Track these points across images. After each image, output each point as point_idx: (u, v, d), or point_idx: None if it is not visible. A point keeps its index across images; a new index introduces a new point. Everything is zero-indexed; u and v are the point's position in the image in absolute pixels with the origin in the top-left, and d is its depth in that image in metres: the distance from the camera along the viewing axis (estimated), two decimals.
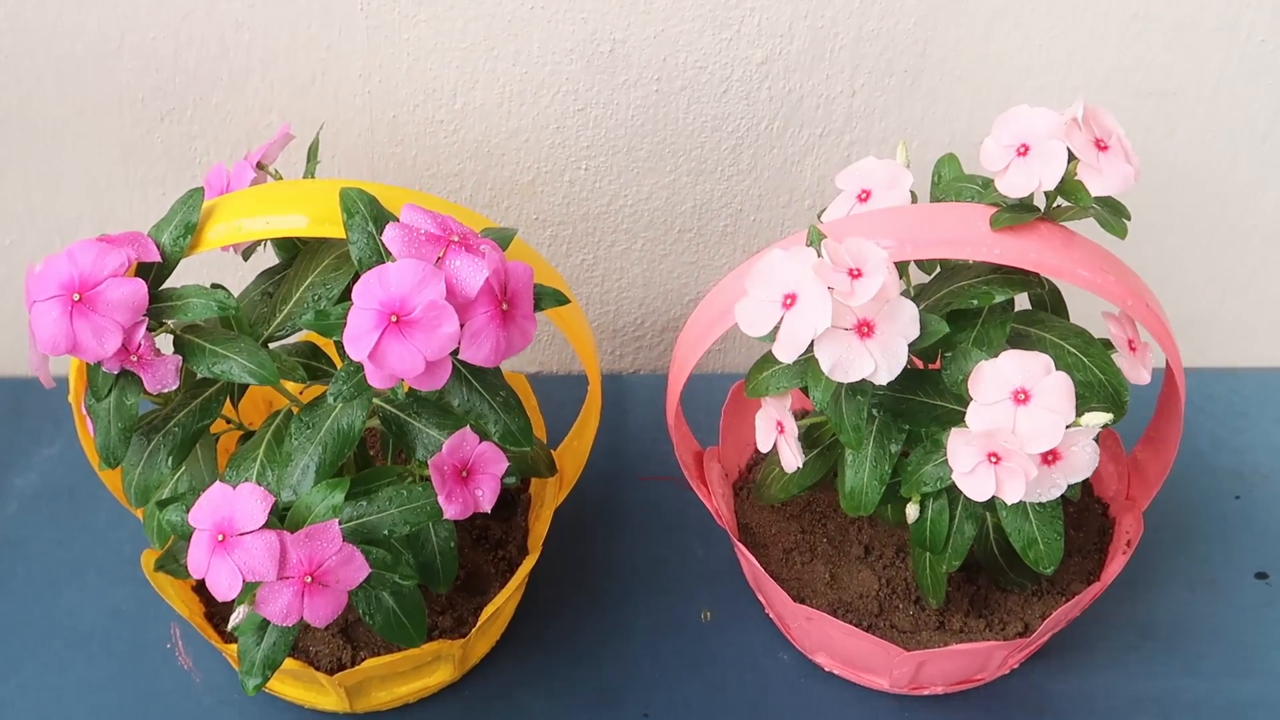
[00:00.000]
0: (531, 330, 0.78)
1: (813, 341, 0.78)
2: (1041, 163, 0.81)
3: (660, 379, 1.12)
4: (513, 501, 1.05)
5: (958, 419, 0.81)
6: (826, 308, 0.77)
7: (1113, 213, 0.84)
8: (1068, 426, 0.78)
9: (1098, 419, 0.78)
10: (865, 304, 0.78)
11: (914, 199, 0.90)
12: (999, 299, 0.84)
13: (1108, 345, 0.88)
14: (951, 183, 0.90)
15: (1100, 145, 0.82)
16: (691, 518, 1.11)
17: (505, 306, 0.76)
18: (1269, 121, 1.11)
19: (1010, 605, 0.98)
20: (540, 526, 1.00)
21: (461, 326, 0.75)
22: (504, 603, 0.96)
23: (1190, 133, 1.11)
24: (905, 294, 0.88)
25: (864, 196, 0.89)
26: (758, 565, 0.97)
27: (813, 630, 0.97)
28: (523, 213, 1.13)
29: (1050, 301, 0.91)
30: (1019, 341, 0.87)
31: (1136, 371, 0.88)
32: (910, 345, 0.80)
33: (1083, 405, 0.81)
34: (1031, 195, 0.82)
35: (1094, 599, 0.96)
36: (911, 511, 0.88)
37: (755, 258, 0.85)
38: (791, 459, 0.90)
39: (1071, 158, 0.81)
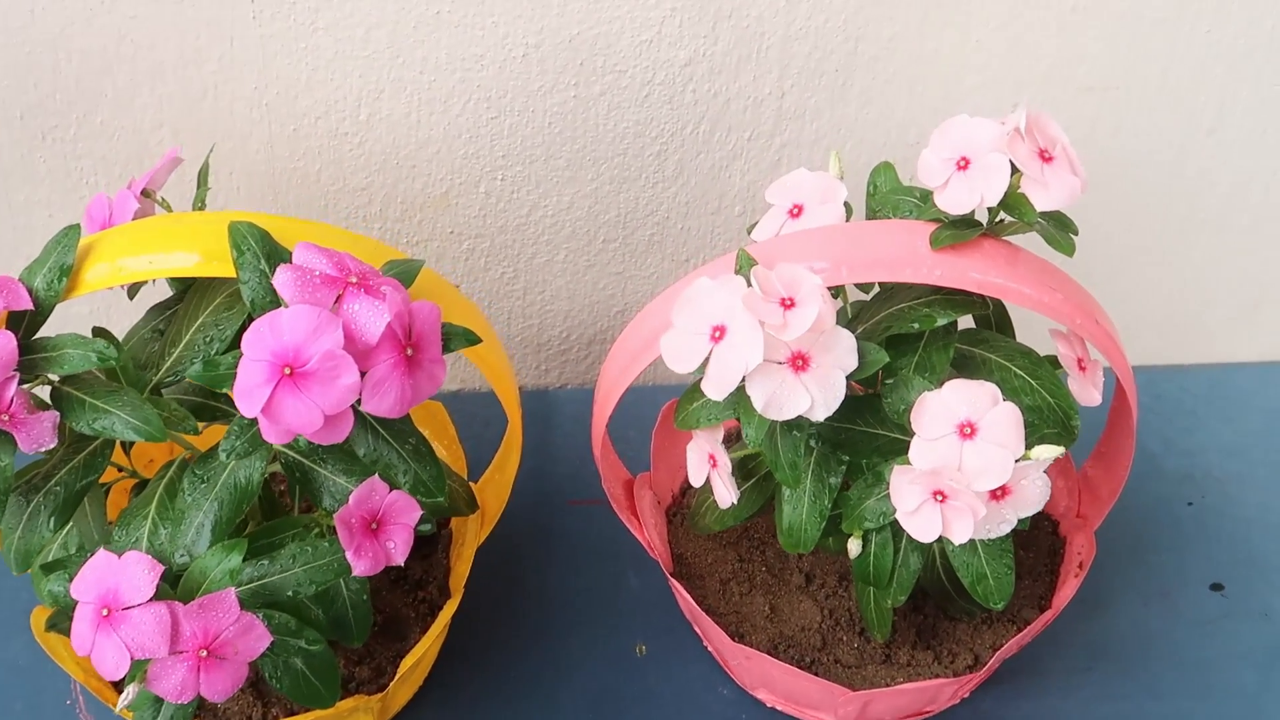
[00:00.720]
0: (441, 374, 0.73)
1: (744, 377, 0.73)
2: (983, 177, 0.77)
3: (588, 394, 1.07)
4: (433, 538, 1.00)
5: (900, 449, 0.77)
6: (757, 342, 0.72)
7: (1059, 227, 0.80)
8: (1017, 460, 0.74)
9: (1048, 452, 0.74)
10: (799, 336, 0.73)
11: (849, 212, 0.86)
12: (941, 322, 0.79)
13: (1056, 364, 0.84)
14: (888, 195, 0.85)
15: (1045, 156, 0.77)
16: (624, 543, 1.06)
17: (410, 351, 0.71)
18: (1216, 115, 1.07)
19: (959, 635, 0.94)
20: (462, 566, 0.95)
21: (363, 375, 0.69)
22: (424, 650, 0.91)
23: (1136, 127, 1.07)
24: (842, 315, 0.83)
25: (795, 212, 0.85)
26: (693, 602, 0.93)
27: (753, 668, 0.92)
28: (437, 226, 1.07)
29: (996, 319, 0.86)
30: (963, 364, 0.83)
31: (1087, 392, 0.84)
32: (849, 376, 0.75)
33: (1032, 434, 0.77)
34: (973, 210, 0.78)
35: (1045, 626, 0.92)
36: (854, 547, 0.84)
37: (682, 282, 0.80)
38: (726, 495, 0.85)
39: (1015, 170, 0.77)
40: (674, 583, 0.93)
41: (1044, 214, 0.79)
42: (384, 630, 0.95)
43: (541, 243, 1.09)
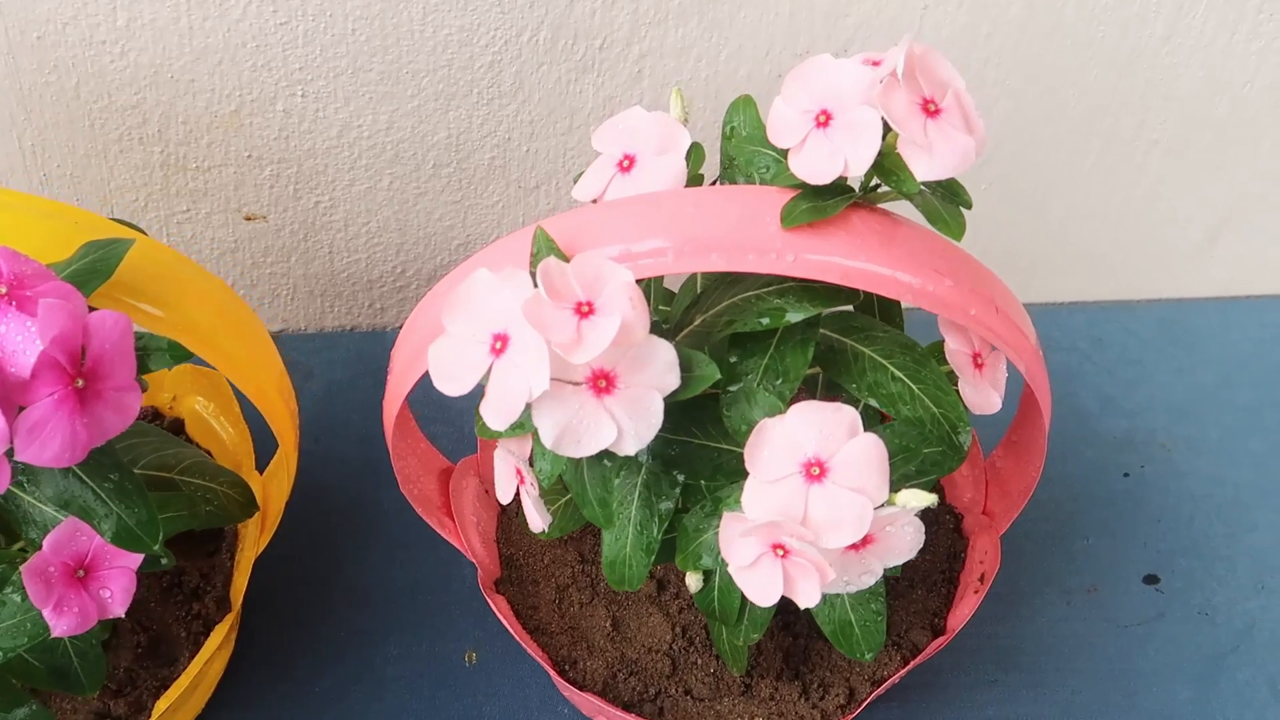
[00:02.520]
0: (134, 404, 0.58)
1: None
2: (847, 137, 0.61)
3: None
4: (217, 532, 0.85)
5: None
6: (543, 360, 0.57)
7: (948, 199, 0.64)
8: (879, 508, 0.59)
9: (918, 500, 0.59)
10: (601, 354, 0.57)
11: (697, 162, 0.70)
12: (795, 318, 0.64)
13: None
14: (744, 144, 0.69)
15: (930, 109, 0.61)
16: None
17: (83, 382, 0.55)
18: (1172, 16, 0.90)
19: (835, 661, 0.80)
20: (240, 578, 0.80)
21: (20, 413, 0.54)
22: (203, 669, 0.77)
23: (1074, 34, 0.90)
24: (687, 291, 0.68)
25: (626, 164, 0.69)
26: (515, 622, 0.79)
27: (586, 705, 0.79)
28: (231, 149, 0.90)
29: (880, 301, 0.71)
30: (830, 359, 0.68)
31: (983, 395, 0.69)
32: (670, 397, 0.60)
33: (908, 456, 0.63)
34: (838, 178, 0.61)
35: (937, 651, 0.78)
36: (692, 582, 0.70)
37: (467, 263, 0.64)
38: (536, 519, 0.70)
39: (890, 128, 0.60)
40: (492, 600, 0.79)
41: (930, 183, 0.62)
42: (149, 652, 0.81)
43: (359, 168, 0.92)
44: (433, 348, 0.60)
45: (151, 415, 0.90)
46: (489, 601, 0.79)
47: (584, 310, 0.58)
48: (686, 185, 0.71)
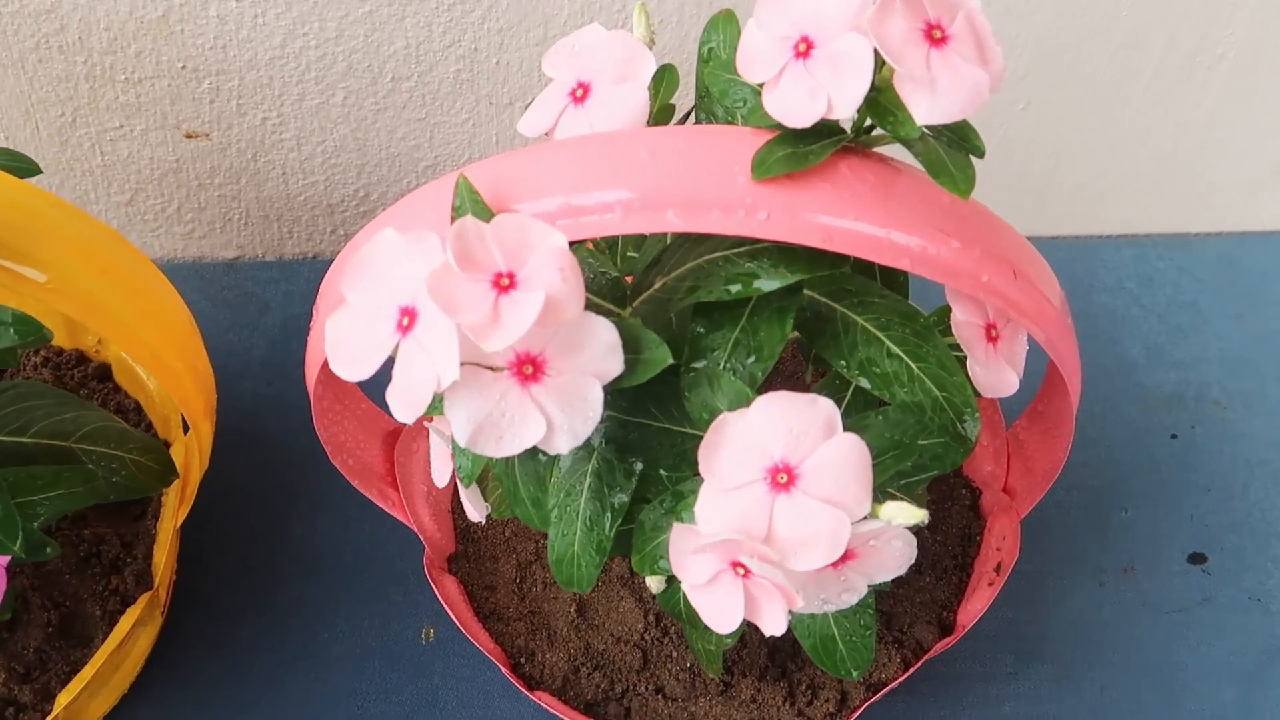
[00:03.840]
0: None
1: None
2: (831, 71, 0.50)
3: None
4: (142, 499, 0.77)
5: None
6: (451, 343, 0.47)
7: (955, 144, 0.53)
8: (858, 523, 0.50)
9: (905, 516, 0.50)
10: (523, 335, 0.48)
11: (671, 84, 0.60)
12: (769, 287, 0.54)
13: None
14: (719, 71, 0.58)
15: (934, 36, 0.50)
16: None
17: None
18: None
19: None
20: (160, 552, 0.72)
21: None
22: (121, 649, 0.70)
23: None
24: (653, 244, 0.58)
25: (580, 94, 0.59)
26: (464, 610, 0.70)
27: (545, 699, 0.70)
28: (163, 60, 0.80)
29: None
30: (815, 328, 0.58)
31: (997, 375, 0.59)
32: (614, 384, 0.50)
33: (903, 450, 0.54)
34: (821, 120, 0.51)
35: (944, 650, 0.69)
36: (653, 584, 0.61)
37: (376, 220, 0.55)
38: (472, 509, 0.61)
39: (883, 62, 0.50)
40: (438, 585, 0.70)
41: (933, 128, 0.52)
42: (61, 631, 0.73)
43: (309, 81, 0.82)
44: (330, 321, 0.51)
45: (76, 360, 0.81)
46: (433, 587, 0.70)
47: (503, 283, 0.48)
48: (652, 118, 0.61)
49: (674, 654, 0.72)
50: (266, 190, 0.89)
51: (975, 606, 0.70)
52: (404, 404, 0.49)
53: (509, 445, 0.50)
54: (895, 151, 0.54)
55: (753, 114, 0.57)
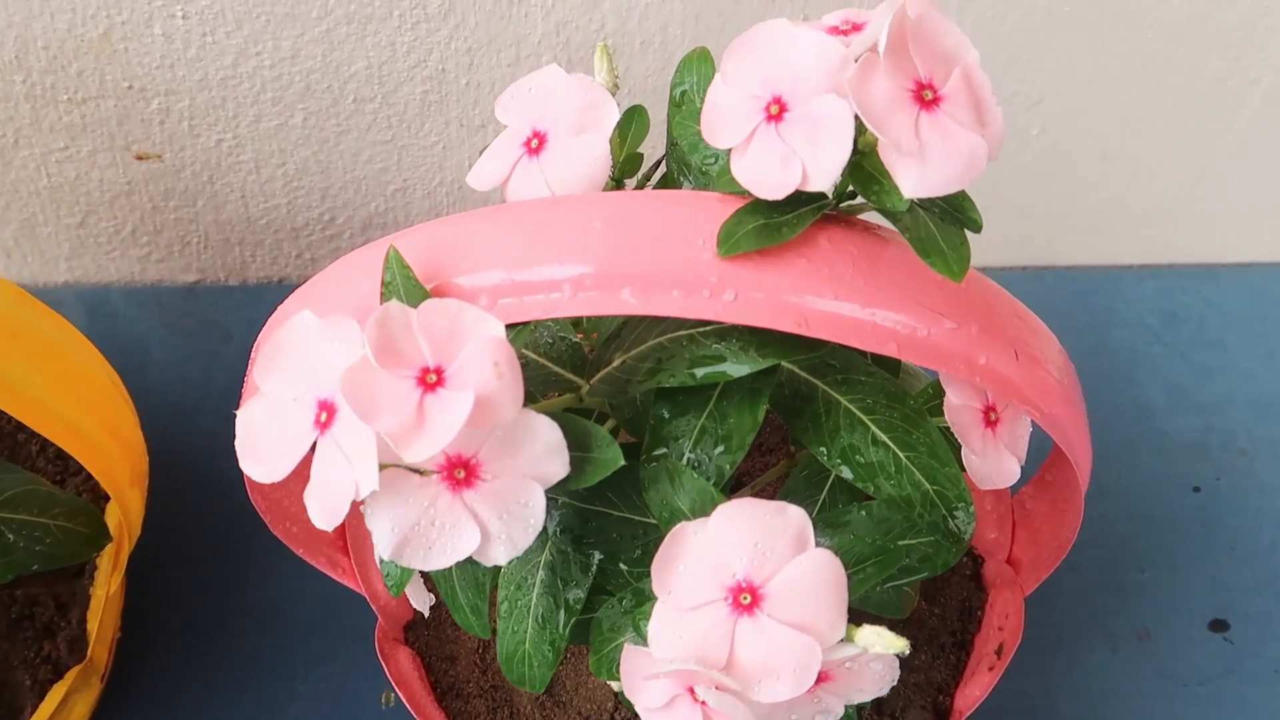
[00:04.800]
0: None
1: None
2: (806, 137, 0.45)
3: None
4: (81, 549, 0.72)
5: None
6: (369, 450, 0.42)
7: (948, 217, 0.47)
8: (830, 648, 0.45)
9: (883, 644, 0.44)
10: (454, 438, 0.42)
11: (640, 129, 0.55)
12: (739, 373, 0.48)
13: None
14: (688, 122, 0.53)
15: (924, 96, 0.45)
16: None
17: None
18: None
19: None
20: (94, 620, 0.67)
21: None
22: None
23: None
24: (555, 378, 0.53)
25: (535, 144, 0.53)
26: (417, 689, 0.65)
27: None
28: (107, 79, 0.75)
29: None
30: (795, 409, 0.52)
31: (995, 464, 0.53)
32: (559, 487, 0.45)
33: (883, 560, 0.48)
34: (795, 190, 0.46)
35: None
36: (616, 685, 0.55)
37: (293, 297, 0.50)
38: (417, 601, 0.56)
39: (864, 129, 0.44)
40: (388, 662, 0.65)
41: (924, 200, 0.46)
42: None
43: (265, 102, 0.77)
44: (240, 414, 0.46)
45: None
46: (383, 664, 0.65)
47: (430, 380, 0.43)
48: (618, 166, 0.55)
49: None
50: (226, 213, 0.84)
51: (974, 692, 0.65)
52: (321, 510, 0.44)
53: (439, 557, 0.44)
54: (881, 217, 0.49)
55: (724, 175, 0.51)
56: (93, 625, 0.67)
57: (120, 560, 0.66)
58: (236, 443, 0.45)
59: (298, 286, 0.82)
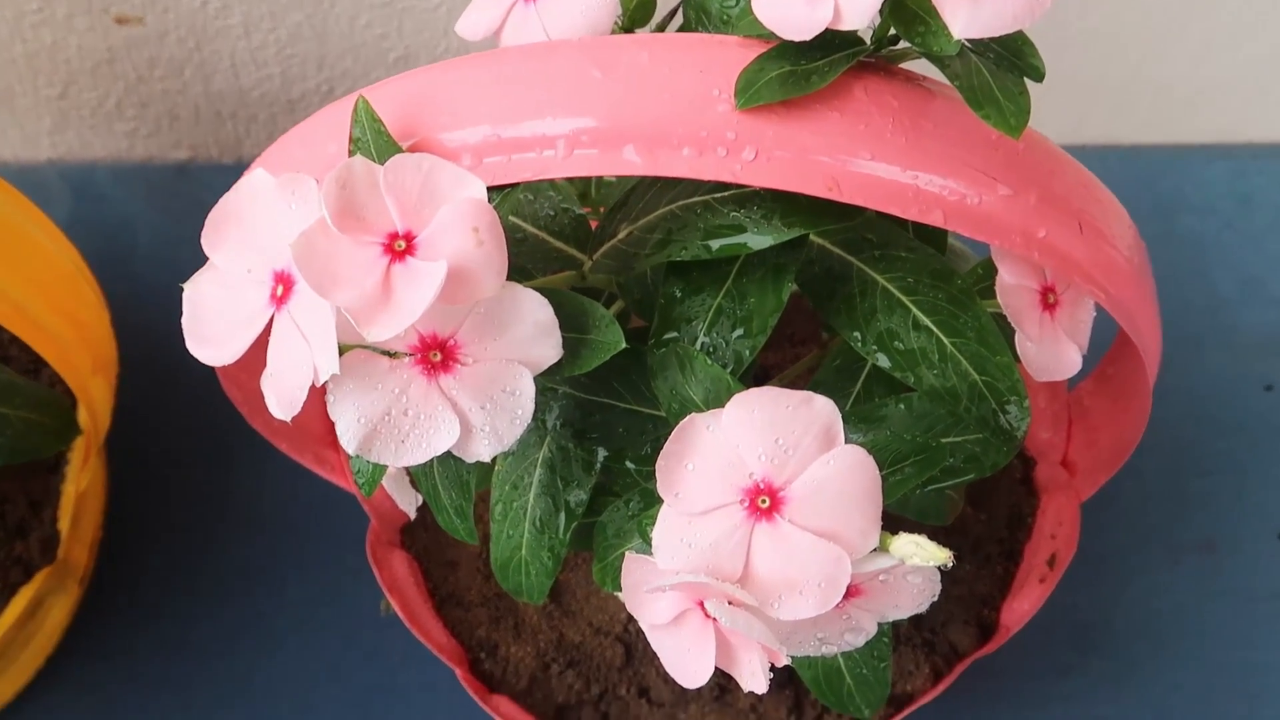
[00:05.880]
0: None
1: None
2: None
3: None
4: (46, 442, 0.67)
5: None
6: (328, 326, 0.37)
7: (1004, 63, 0.41)
8: (859, 559, 0.39)
9: (922, 554, 0.39)
10: (427, 314, 0.37)
11: None
12: (760, 245, 0.42)
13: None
14: None
15: None
16: None
17: None
18: None
19: None
20: (64, 519, 0.62)
21: None
22: (21, 627, 0.61)
23: None
24: (556, 253, 0.48)
25: None
26: (416, 601, 0.60)
27: (504, 707, 0.61)
28: None
29: None
30: (825, 289, 0.47)
31: (1054, 353, 0.47)
32: (555, 376, 0.40)
33: (923, 461, 0.42)
34: (825, 31, 0.39)
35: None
36: (624, 597, 0.50)
37: (262, 157, 0.45)
38: (402, 501, 0.51)
39: None
40: (380, 569, 0.60)
41: (976, 42, 0.40)
42: None
43: None
44: (189, 286, 0.40)
45: None
46: (374, 569, 0.60)
47: (398, 247, 0.37)
48: (625, 16, 0.49)
49: None
50: (216, 84, 0.78)
51: (1023, 606, 0.59)
52: (278, 397, 0.38)
53: (413, 452, 0.39)
54: (928, 68, 0.42)
55: (745, 16, 0.45)
56: (64, 524, 0.63)
57: (89, 454, 0.61)
58: (184, 321, 0.40)
59: None
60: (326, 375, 0.37)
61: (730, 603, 0.39)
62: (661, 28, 0.51)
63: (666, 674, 0.60)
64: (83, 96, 0.79)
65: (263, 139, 0.82)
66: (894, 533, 0.40)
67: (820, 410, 0.39)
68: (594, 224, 0.50)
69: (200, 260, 0.77)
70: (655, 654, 0.60)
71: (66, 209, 0.83)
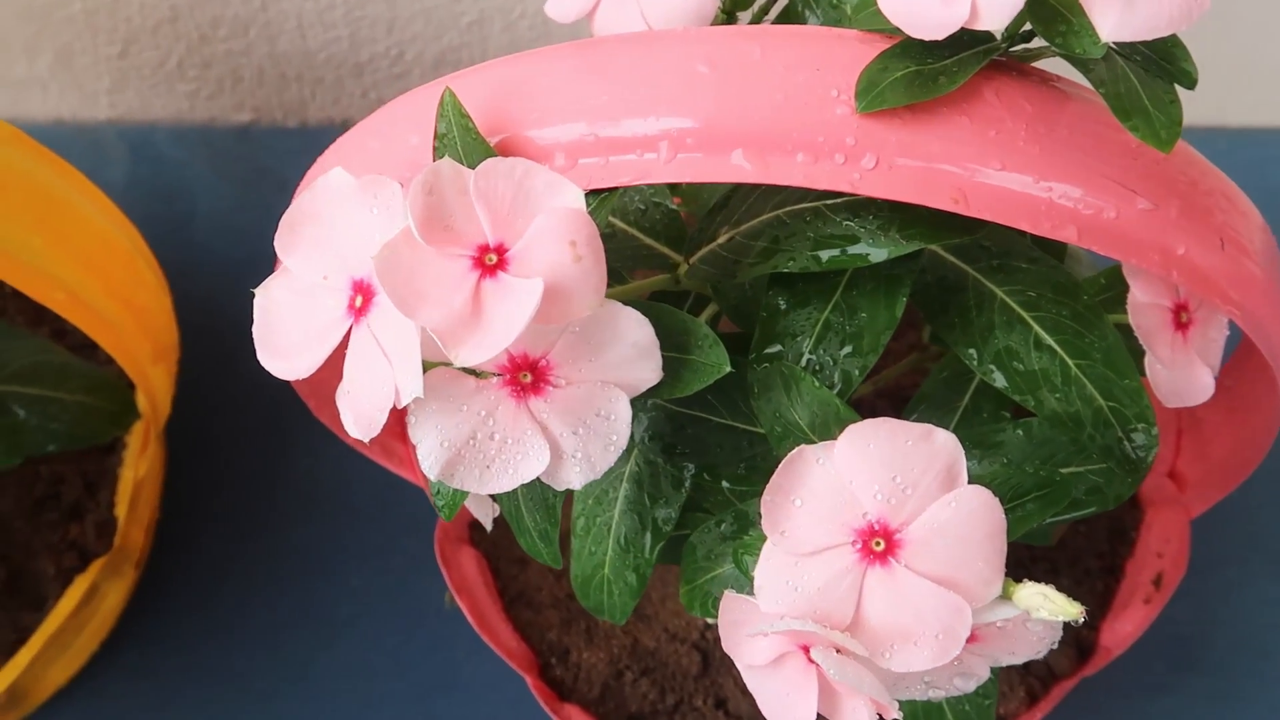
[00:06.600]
0: None
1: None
2: None
3: None
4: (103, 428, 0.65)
5: None
6: (411, 346, 0.34)
7: (1153, 69, 0.38)
8: (981, 608, 0.36)
9: (1050, 607, 0.36)
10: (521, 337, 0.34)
11: None
12: (879, 257, 0.39)
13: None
14: None
15: None
16: None
17: None
18: None
19: None
20: (123, 505, 0.60)
21: None
22: (76, 614, 0.59)
23: None
24: (648, 252, 0.44)
25: None
26: (487, 600, 0.58)
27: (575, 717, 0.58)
28: None
29: None
30: (940, 303, 0.44)
31: (1186, 376, 0.44)
32: (648, 395, 0.37)
33: (1046, 497, 0.39)
34: (959, 30, 0.36)
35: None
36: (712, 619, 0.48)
37: (326, 154, 0.42)
38: (481, 515, 0.48)
39: None
40: (449, 568, 0.58)
41: (1123, 45, 0.37)
42: (9, 589, 0.62)
43: None
44: (259, 294, 0.38)
45: None
46: (442, 568, 0.58)
47: (489, 261, 0.34)
48: (725, 5, 0.46)
49: None
50: (281, 45, 0.76)
51: (1125, 628, 0.56)
52: (355, 417, 0.36)
53: (498, 478, 0.37)
54: (1059, 66, 0.39)
55: (865, 7, 0.42)
56: (121, 509, 0.61)
57: (148, 441, 0.59)
58: (254, 330, 0.37)
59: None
60: (410, 398, 0.34)
61: (838, 651, 0.36)
62: (764, 10, 0.48)
63: (745, 686, 0.57)
64: (143, 55, 0.76)
65: (328, 103, 0.80)
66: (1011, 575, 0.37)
67: (943, 446, 0.36)
68: (684, 215, 0.47)
69: (260, 228, 0.74)
70: (733, 663, 0.58)
71: (124, 171, 0.80)
